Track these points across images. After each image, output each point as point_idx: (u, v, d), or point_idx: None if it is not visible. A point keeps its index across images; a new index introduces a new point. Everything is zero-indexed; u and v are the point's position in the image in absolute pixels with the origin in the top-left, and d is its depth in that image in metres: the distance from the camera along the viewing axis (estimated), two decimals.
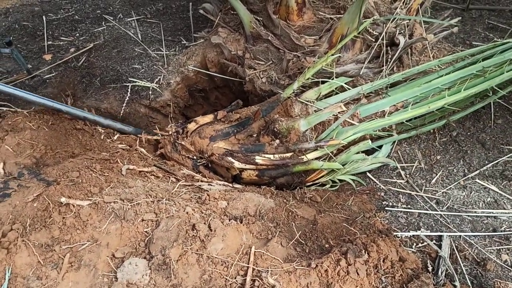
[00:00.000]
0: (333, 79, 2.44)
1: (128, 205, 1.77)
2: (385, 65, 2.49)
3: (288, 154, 2.31)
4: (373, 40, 2.48)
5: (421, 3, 2.70)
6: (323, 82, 2.50)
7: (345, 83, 2.43)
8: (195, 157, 2.41)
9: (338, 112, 2.34)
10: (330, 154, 2.28)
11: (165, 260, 1.59)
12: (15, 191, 1.85)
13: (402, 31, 2.50)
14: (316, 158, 2.31)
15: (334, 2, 2.49)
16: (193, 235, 1.71)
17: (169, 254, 1.60)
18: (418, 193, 2.20)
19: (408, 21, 2.56)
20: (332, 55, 2.36)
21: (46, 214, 1.75)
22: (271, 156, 2.29)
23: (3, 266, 1.62)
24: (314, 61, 2.46)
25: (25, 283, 1.59)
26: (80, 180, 1.86)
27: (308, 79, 2.40)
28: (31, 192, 1.82)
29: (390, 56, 2.47)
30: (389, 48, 2.51)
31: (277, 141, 2.33)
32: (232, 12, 2.81)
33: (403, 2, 2.59)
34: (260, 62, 2.65)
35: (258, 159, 2.28)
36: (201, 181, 2.29)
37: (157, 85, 2.89)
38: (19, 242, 1.66)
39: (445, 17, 2.93)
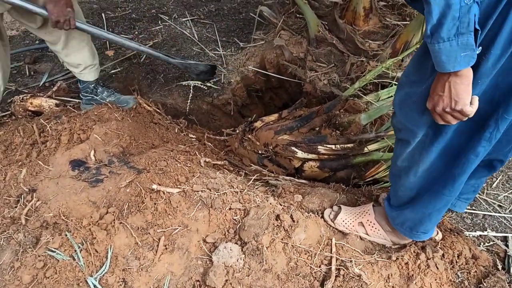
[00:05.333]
0: (393, 84, 2.53)
1: (215, 194, 1.88)
2: None
3: (349, 145, 2.40)
4: None
5: None
6: (383, 86, 2.59)
7: None
8: (260, 152, 2.51)
9: None
10: (391, 144, 2.33)
11: (258, 246, 1.69)
12: (107, 177, 1.96)
13: None
14: (376, 150, 2.39)
15: (401, 10, 2.59)
16: (277, 225, 1.81)
17: (261, 240, 1.70)
18: (480, 196, 2.27)
19: None
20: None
21: (139, 199, 1.86)
22: (333, 146, 2.39)
23: (105, 245, 1.73)
24: (376, 65, 2.56)
25: (124, 262, 1.71)
26: (168, 169, 1.97)
27: (370, 80, 2.50)
28: (123, 179, 1.93)
29: None
30: None
31: (338, 132, 2.43)
32: (296, 15, 2.92)
33: None
34: (322, 64, 2.75)
35: (321, 149, 2.38)
36: (268, 175, 2.39)
37: (219, 84, 3.00)
38: (117, 224, 1.78)
39: None
